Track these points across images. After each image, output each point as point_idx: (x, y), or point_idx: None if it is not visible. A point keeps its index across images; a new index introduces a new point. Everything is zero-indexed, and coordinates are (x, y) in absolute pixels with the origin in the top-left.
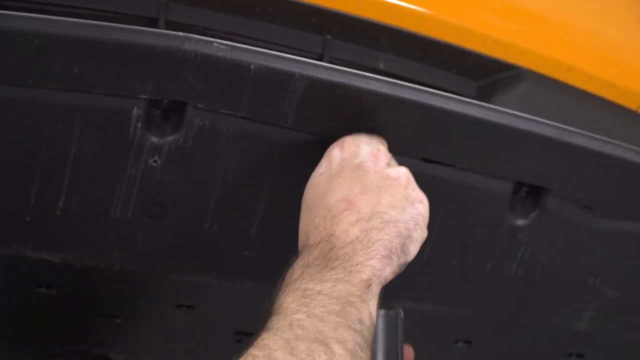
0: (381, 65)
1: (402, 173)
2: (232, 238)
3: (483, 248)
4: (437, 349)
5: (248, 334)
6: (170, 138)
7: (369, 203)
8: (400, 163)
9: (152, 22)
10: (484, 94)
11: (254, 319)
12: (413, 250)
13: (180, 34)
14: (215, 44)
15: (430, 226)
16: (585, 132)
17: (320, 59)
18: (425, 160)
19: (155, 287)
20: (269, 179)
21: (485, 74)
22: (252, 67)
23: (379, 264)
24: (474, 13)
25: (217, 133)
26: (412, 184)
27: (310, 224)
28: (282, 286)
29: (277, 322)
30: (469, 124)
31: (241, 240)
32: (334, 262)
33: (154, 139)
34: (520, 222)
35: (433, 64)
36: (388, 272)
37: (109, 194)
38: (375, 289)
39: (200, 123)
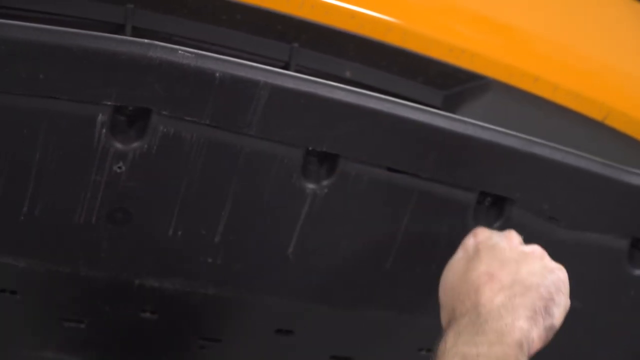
0: (348, 74)
1: (536, 248)
2: (196, 244)
3: (447, 257)
4: (400, 357)
5: (212, 340)
6: (135, 144)
7: (510, 274)
8: (363, 171)
9: (119, 28)
10: (450, 104)
11: (218, 325)
12: (557, 313)
13: (145, 41)
14: (179, 52)
15: (394, 235)
16: (549, 143)
17: (286, 67)
18: (390, 169)
19: (119, 293)
20: (233, 186)
21: (452, 83)
22: (217, 74)
23: (526, 325)
24: (441, 22)
25: (182, 140)
26: (547, 256)
27: (455, 300)
28: (438, 355)
29: None
30: (433, 134)
31: (205, 247)
32: (484, 326)
33: (119, 145)
34: None
35: (399, 73)
36: (535, 335)
37: (74, 200)
38: (526, 351)
39: (165, 130)
